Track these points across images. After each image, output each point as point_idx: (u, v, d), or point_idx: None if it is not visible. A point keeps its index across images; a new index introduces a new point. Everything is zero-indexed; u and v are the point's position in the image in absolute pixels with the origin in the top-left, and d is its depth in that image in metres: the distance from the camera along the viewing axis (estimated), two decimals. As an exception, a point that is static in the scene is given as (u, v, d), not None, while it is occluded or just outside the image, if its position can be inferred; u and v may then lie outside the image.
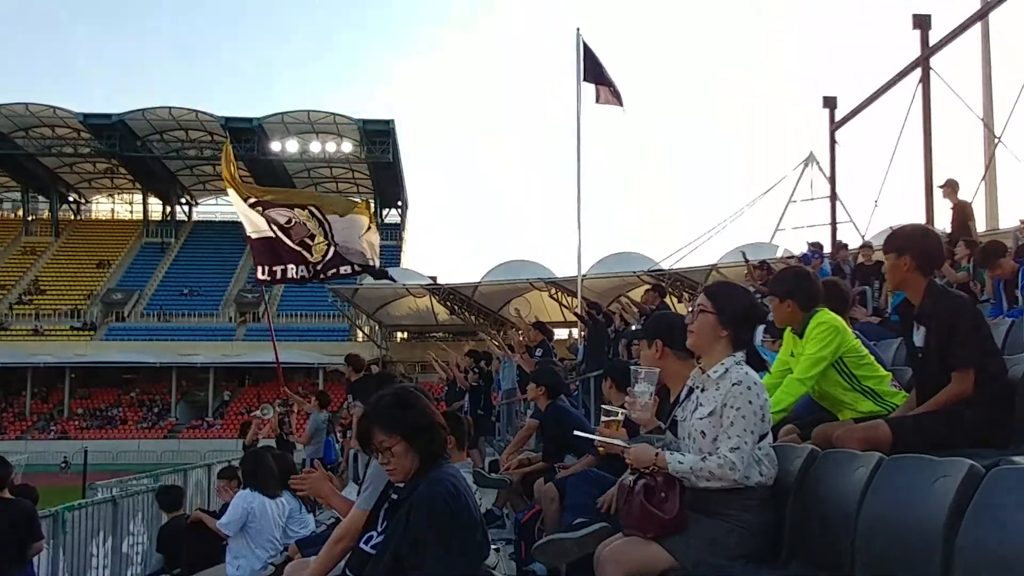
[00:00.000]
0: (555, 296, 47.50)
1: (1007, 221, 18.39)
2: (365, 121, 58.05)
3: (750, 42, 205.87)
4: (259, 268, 10.18)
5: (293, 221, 9.86)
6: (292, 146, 59.02)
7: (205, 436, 47.22)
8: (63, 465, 35.64)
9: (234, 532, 8.20)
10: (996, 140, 15.75)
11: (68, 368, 53.91)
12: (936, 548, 2.15)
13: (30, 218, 67.20)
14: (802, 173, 39.95)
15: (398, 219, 68.30)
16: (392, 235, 64.92)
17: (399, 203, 67.85)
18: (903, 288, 3.91)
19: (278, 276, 10.22)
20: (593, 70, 19.69)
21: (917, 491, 2.35)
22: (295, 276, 10.15)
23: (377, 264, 10.55)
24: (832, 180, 19.46)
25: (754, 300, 3.60)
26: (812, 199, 38.38)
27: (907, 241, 3.91)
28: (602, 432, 3.42)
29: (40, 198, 66.96)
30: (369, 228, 10.07)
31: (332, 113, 57.74)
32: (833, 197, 19.55)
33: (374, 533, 3.56)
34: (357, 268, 10.19)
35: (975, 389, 3.47)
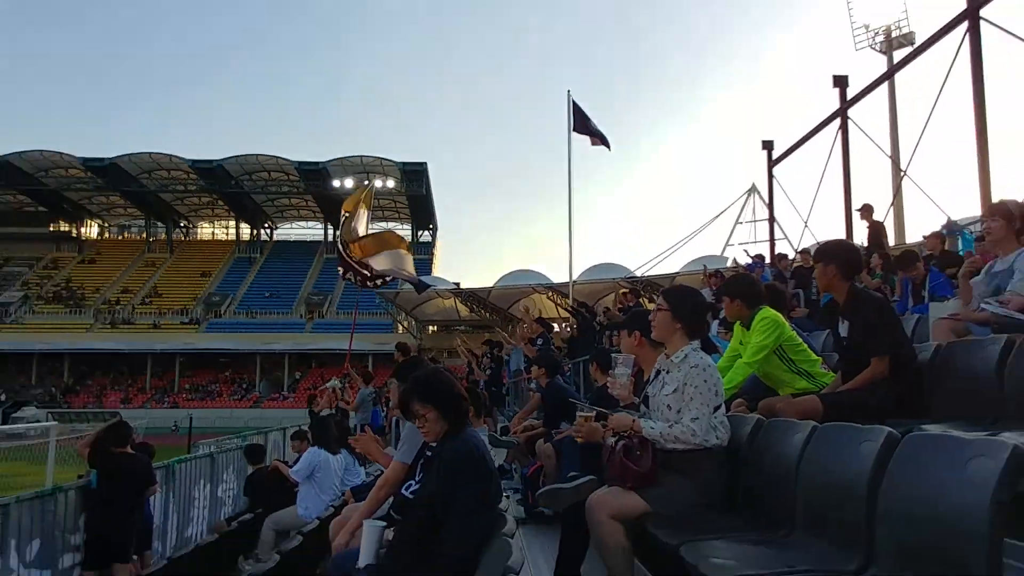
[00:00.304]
0: (552, 297, 47.56)
1: (911, 237, 18.59)
2: (404, 163, 58.14)
3: (707, 96, 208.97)
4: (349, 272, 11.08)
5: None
6: (349, 183, 59.17)
7: (281, 406, 47.31)
8: (173, 428, 35.84)
9: (303, 479, 8.23)
10: (902, 173, 15.94)
11: (178, 353, 54.14)
12: (861, 499, 2.11)
13: (151, 240, 67.58)
14: (746, 200, 40.09)
15: (429, 238, 68.50)
16: (425, 251, 65.24)
17: (430, 226, 67.96)
18: (830, 291, 3.89)
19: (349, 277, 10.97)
20: (581, 123, 19.78)
21: (845, 453, 2.30)
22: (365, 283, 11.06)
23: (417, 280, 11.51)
24: (770, 206, 19.51)
25: (701, 299, 3.57)
26: (754, 221, 38.52)
27: (832, 253, 3.90)
28: (579, 424, 3.39)
29: (159, 224, 67.36)
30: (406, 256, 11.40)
31: (379, 157, 57.90)
32: (771, 219, 19.59)
33: (412, 482, 3.59)
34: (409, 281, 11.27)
35: (890, 371, 3.46)
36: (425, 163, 58.85)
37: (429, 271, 61.54)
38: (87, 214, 66.82)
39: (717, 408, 3.15)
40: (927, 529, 1.80)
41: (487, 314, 54.32)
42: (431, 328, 57.39)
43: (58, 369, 53.81)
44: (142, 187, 59.95)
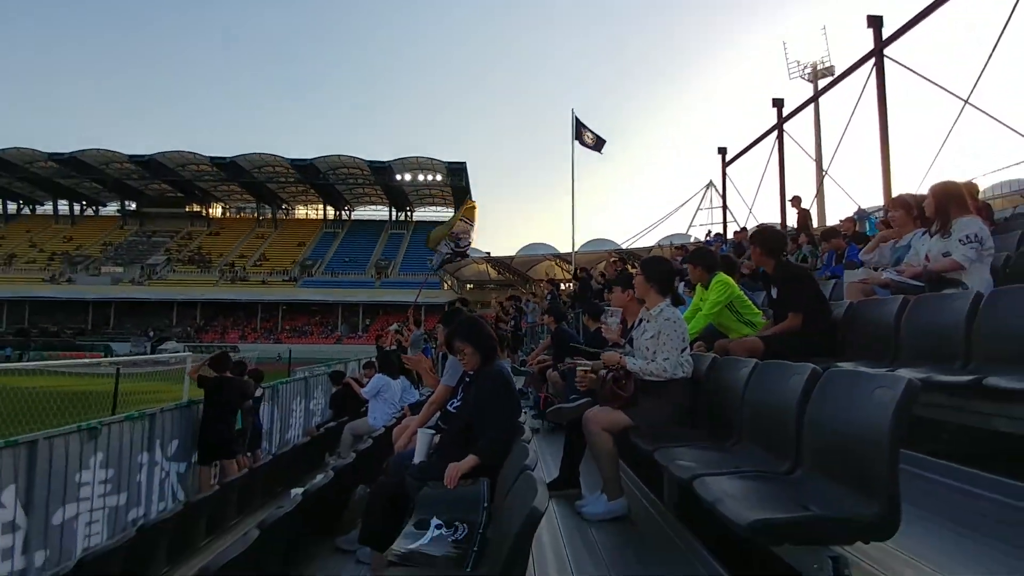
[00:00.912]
0: (558, 264, 47.42)
1: (830, 222, 18.68)
2: (449, 162, 57.61)
3: (676, 111, 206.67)
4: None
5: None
6: (408, 177, 58.98)
7: (356, 343, 47.65)
8: (278, 358, 36.28)
9: (371, 397, 8.32)
10: (823, 173, 15.86)
11: (281, 303, 54.68)
12: (791, 418, 2.10)
13: (260, 218, 67.64)
14: (705, 192, 39.25)
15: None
16: None
17: (470, 209, 67.72)
18: (761, 265, 3.89)
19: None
20: (581, 134, 19.64)
21: (780, 383, 2.29)
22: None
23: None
24: (723, 196, 19.39)
25: (668, 267, 3.53)
26: (711, 208, 37.77)
27: (762, 237, 3.97)
28: (580, 376, 3.37)
29: (266, 206, 67.37)
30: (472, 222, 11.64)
31: (430, 158, 57.28)
32: (724, 207, 19.43)
33: (455, 400, 3.61)
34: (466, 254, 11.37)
35: (804, 323, 3.52)
36: (465, 162, 58.35)
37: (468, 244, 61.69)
38: (213, 199, 67.03)
39: (684, 350, 3.15)
40: (841, 441, 1.80)
41: (511, 276, 54.27)
42: (468, 286, 57.43)
43: (192, 314, 54.59)
44: (254, 179, 59.90)
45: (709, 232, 15.31)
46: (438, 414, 3.93)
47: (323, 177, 59.54)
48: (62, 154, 54.38)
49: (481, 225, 71.34)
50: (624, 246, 39.30)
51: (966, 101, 10.56)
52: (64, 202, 65.61)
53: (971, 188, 3.77)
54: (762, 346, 3.34)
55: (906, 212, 3.93)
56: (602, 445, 3.01)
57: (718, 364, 3.00)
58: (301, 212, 69.93)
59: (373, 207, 68.95)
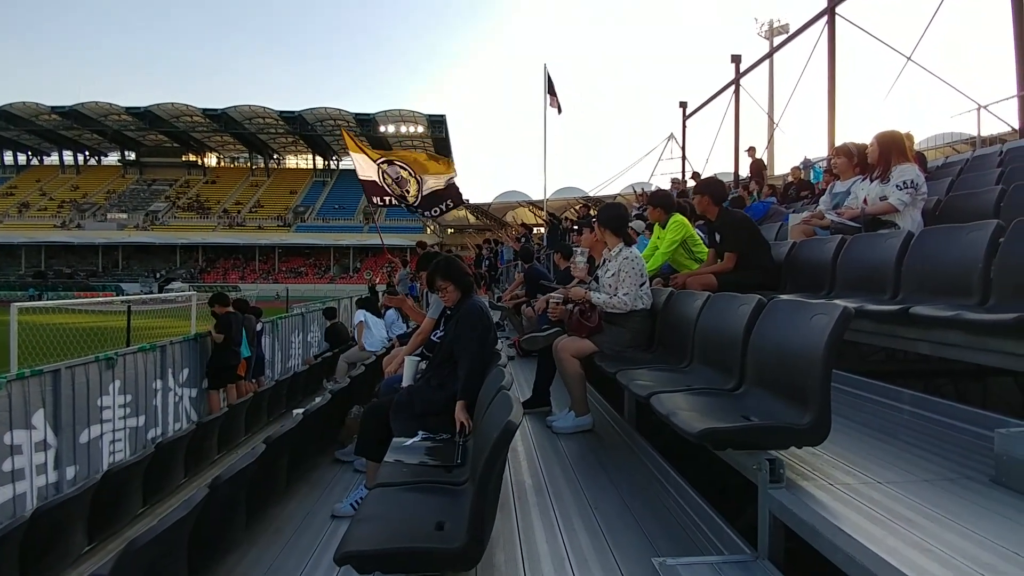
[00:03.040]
0: (531, 209, 47.00)
1: (780, 170, 18.71)
2: (430, 115, 55.58)
3: (647, 66, 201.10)
4: (370, 198, 9.74)
5: (399, 176, 9.53)
6: (391, 129, 56.82)
7: (347, 283, 47.21)
8: (276, 297, 35.91)
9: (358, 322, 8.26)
10: (775, 125, 15.68)
11: (277, 246, 53.39)
12: (738, 342, 2.10)
13: (253, 167, 64.85)
14: (666, 144, 38.42)
15: (447, 170, 66.71)
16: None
17: (449, 159, 65.95)
18: (705, 214, 3.86)
19: (378, 203, 9.79)
20: (552, 89, 18.96)
21: (728, 313, 2.28)
22: (390, 204, 9.74)
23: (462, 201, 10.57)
24: (683, 148, 19.13)
25: (619, 211, 3.46)
26: (672, 158, 37.11)
27: (705, 188, 3.90)
28: (552, 308, 3.38)
29: (259, 156, 64.60)
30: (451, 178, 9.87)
31: (412, 111, 55.17)
32: (683, 158, 19.20)
33: (438, 331, 3.58)
34: (450, 206, 9.85)
35: (741, 263, 3.52)
36: (444, 115, 56.35)
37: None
38: (208, 149, 63.92)
39: (643, 284, 3.14)
40: (781, 361, 1.81)
41: (488, 221, 53.70)
42: (449, 230, 56.74)
43: (194, 257, 53.19)
44: (245, 130, 57.13)
45: (674, 183, 15.19)
46: (423, 344, 3.93)
47: (311, 128, 57.07)
48: (63, 107, 51.02)
49: (460, 174, 69.63)
50: (591, 193, 38.95)
51: (908, 58, 10.37)
52: (69, 152, 62.01)
53: (909, 138, 3.71)
54: (715, 282, 3.34)
55: (848, 160, 3.89)
56: (571, 369, 3.04)
57: (675, 297, 2.99)
58: (292, 162, 67.37)
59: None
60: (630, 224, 3.73)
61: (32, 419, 4.82)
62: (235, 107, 53.00)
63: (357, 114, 54.89)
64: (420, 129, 56.96)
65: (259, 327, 9.04)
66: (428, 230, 53.48)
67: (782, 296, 2.36)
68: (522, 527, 2.14)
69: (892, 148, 3.32)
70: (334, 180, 64.27)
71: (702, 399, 2.03)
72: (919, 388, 2.18)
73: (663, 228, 4.17)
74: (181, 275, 48.74)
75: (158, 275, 48.02)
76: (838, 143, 5.04)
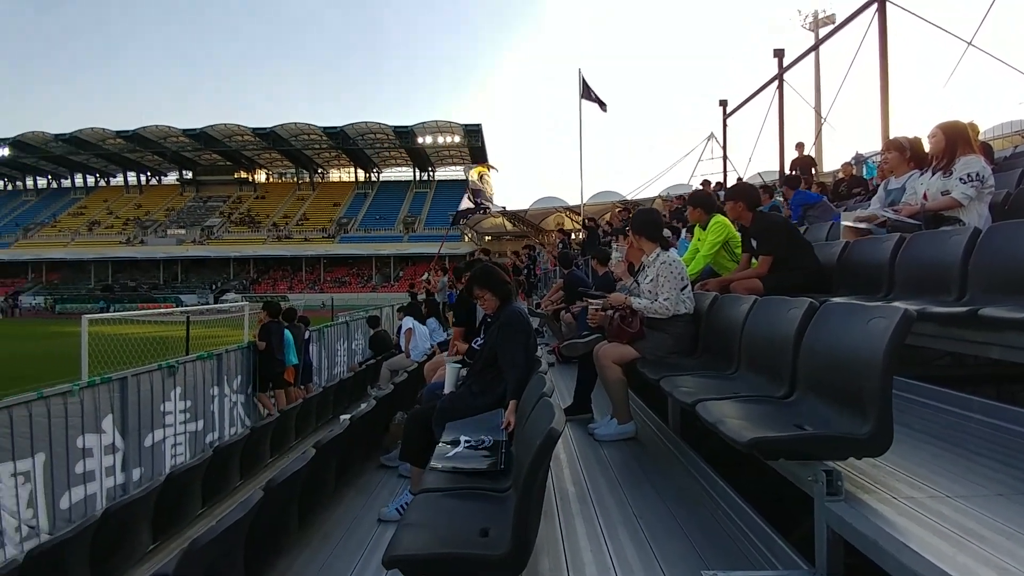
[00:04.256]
0: (568, 215, 46.75)
1: (829, 167, 17.77)
2: (466, 125, 56.42)
3: (685, 65, 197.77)
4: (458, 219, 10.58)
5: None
6: (429, 140, 57.90)
7: (389, 291, 47.96)
8: (322, 306, 36.99)
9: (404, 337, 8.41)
10: (822, 120, 14.99)
11: (322, 257, 54.97)
12: (788, 347, 2.01)
13: (299, 182, 67.11)
14: (707, 143, 37.06)
15: (486, 176, 67.29)
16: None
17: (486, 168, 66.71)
18: (739, 220, 3.73)
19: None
20: (588, 92, 18.79)
21: (778, 317, 2.20)
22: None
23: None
24: (724, 148, 18.48)
25: (651, 216, 3.42)
26: (713, 158, 35.76)
27: (737, 193, 3.78)
28: (592, 314, 3.33)
29: (304, 171, 66.89)
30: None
31: (449, 121, 56.26)
32: (725, 158, 18.61)
33: (479, 339, 3.59)
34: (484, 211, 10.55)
35: (778, 266, 3.36)
36: (480, 124, 57.01)
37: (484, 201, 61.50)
38: (257, 166, 66.58)
39: (684, 288, 3.07)
40: (836, 367, 1.73)
41: (525, 227, 53.72)
42: (487, 238, 57.15)
43: (246, 268, 55.33)
44: (292, 147, 59.37)
45: (708, 183, 14.74)
46: (465, 351, 3.95)
47: (352, 142, 58.70)
48: (127, 131, 54.33)
49: (497, 181, 69.89)
50: (628, 197, 38.41)
51: (969, 43, 9.61)
52: (132, 173, 65.84)
53: (973, 128, 3.48)
54: (761, 286, 3.22)
55: (900, 154, 3.69)
56: (612, 375, 2.99)
57: (719, 301, 2.90)
58: (335, 175, 69.38)
59: (399, 168, 68.13)
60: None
61: (102, 424, 5.09)
62: (282, 125, 55.22)
63: (396, 127, 56.22)
64: (457, 139, 57.77)
65: (307, 335, 9.30)
66: (466, 238, 54.04)
67: (835, 299, 2.26)
68: (566, 534, 2.12)
69: (958, 138, 3.11)
70: (375, 192, 65.83)
71: (751, 407, 1.95)
72: (990, 395, 2.03)
73: (703, 229, 4.06)
74: (234, 286, 50.82)
75: (213, 287, 50.22)
76: (891, 137, 4.79)
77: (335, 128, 55.81)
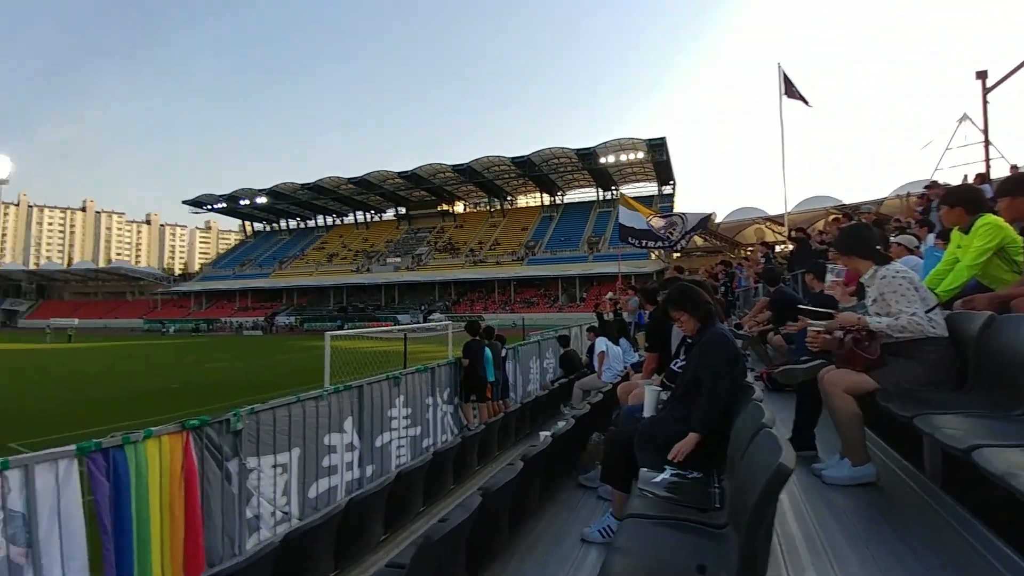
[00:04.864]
0: (769, 226, 42.57)
1: None
2: (649, 140, 55.24)
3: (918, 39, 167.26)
4: (625, 238, 11.23)
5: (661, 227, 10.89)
6: (611, 159, 58.16)
7: (575, 311, 48.79)
8: (513, 325, 39.16)
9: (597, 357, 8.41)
10: None
11: (512, 279, 58.21)
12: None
13: (491, 210, 72.66)
14: (958, 127, 29.78)
15: (671, 191, 64.80)
16: (667, 200, 62.37)
17: (671, 182, 64.17)
18: (955, 225, 2.94)
19: (633, 243, 11.06)
20: (790, 88, 17.03)
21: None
22: (645, 247, 11.31)
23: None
24: (985, 131, 15.11)
25: (852, 232, 2.94)
26: (966, 145, 28.49)
27: (1018, 186, 3.00)
28: (813, 337, 2.90)
29: (495, 199, 72.21)
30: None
31: (631, 138, 55.67)
32: (986, 143, 15.19)
33: (679, 359, 3.46)
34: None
35: None
36: (664, 137, 55.24)
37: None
38: (456, 198, 73.78)
39: (929, 310, 2.55)
40: None
41: (717, 242, 50.41)
42: (675, 255, 55.17)
43: (448, 291, 61.36)
44: (485, 178, 64.58)
45: (965, 177, 12.15)
46: (664, 373, 3.83)
47: (538, 169, 61.61)
48: (356, 177, 65.02)
49: (683, 196, 66.89)
50: (847, 201, 33.36)
51: None
52: (360, 212, 78.33)
53: None
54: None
55: None
56: (844, 408, 2.60)
57: (997, 322, 2.35)
58: (522, 201, 73.48)
59: (582, 190, 69.50)
60: (895, 240, 3.10)
61: (344, 424, 6.02)
62: (476, 160, 60.70)
63: (578, 150, 57.67)
64: (640, 155, 57.01)
65: (503, 353, 9.92)
66: (653, 255, 52.70)
67: None
68: (797, 586, 1.89)
69: None
70: (559, 215, 68.07)
71: (1057, 460, 1.54)
72: None
73: (965, 233, 3.25)
74: (439, 307, 56.70)
75: (422, 308, 56.76)
76: None
77: (522, 157, 59.45)
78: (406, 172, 63.61)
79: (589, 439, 4.66)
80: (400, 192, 69.78)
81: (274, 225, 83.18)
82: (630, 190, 64.68)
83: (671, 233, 10.52)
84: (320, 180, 66.18)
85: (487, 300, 58.32)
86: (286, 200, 72.56)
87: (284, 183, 68.24)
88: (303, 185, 67.44)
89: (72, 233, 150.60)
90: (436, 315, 49.32)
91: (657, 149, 55.74)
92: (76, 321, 57.12)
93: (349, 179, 65.55)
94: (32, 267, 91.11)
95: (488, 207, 73.48)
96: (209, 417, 4.18)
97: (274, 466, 4.80)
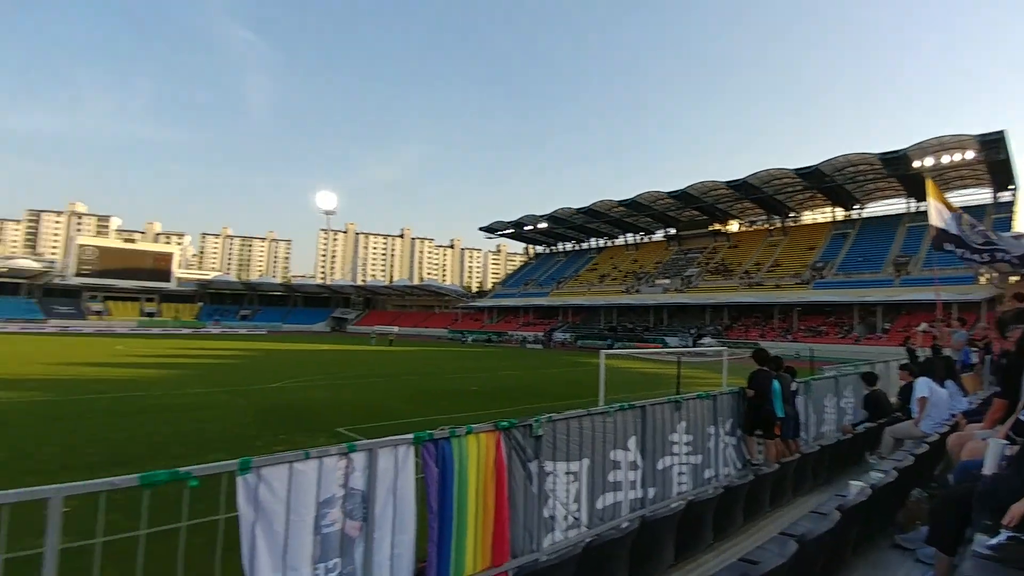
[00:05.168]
0: None
1: None
2: (981, 135, 42.35)
3: None
4: (941, 244, 8.86)
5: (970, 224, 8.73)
6: (928, 162, 46.36)
7: (875, 344, 40.57)
8: (796, 355, 34.63)
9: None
10: None
11: (795, 304, 51.78)
12: None
13: (771, 228, 65.94)
14: None
15: (1010, 197, 48.92)
16: (1005, 210, 47.76)
17: (1011, 186, 48.23)
18: None
19: (944, 247, 8.57)
20: None
21: None
22: (963, 257, 8.80)
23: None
24: None
25: None
26: None
27: None
28: None
29: (775, 216, 65.40)
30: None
31: (956, 135, 43.40)
32: None
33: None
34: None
35: None
36: (1003, 131, 41.77)
37: (1008, 228, 44.75)
38: (730, 217, 69.20)
39: None
40: None
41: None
42: (1012, 278, 41.19)
43: (720, 314, 57.78)
44: (763, 194, 59.19)
45: None
46: (1010, 424, 3.16)
47: (829, 180, 53.59)
48: (626, 199, 66.95)
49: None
50: None
51: None
52: (630, 234, 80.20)
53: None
54: None
55: None
56: None
57: None
58: (807, 217, 64.87)
59: (886, 201, 57.84)
60: None
61: (628, 443, 6.34)
62: (754, 174, 55.99)
63: (882, 154, 48.06)
64: (969, 155, 44.57)
65: (794, 387, 9.08)
66: (982, 279, 40.42)
67: None
68: None
69: None
70: (856, 231, 57.98)
71: None
72: None
73: None
74: (711, 331, 53.88)
75: (692, 331, 54.76)
76: None
77: (809, 168, 52.61)
78: (676, 192, 62.71)
79: (909, 495, 4.06)
80: (670, 212, 69.20)
81: (552, 248, 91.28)
82: (954, 198, 50.97)
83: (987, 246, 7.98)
84: (593, 204, 70.16)
85: (764, 326, 53.19)
86: (563, 224, 78.99)
87: (561, 208, 74.39)
88: (578, 209, 72.43)
89: (392, 255, 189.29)
90: (707, 339, 47.00)
91: (993, 146, 42.89)
92: (396, 328, 69.81)
93: (619, 201, 67.85)
94: (359, 283, 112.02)
95: (767, 225, 67.12)
96: (516, 420, 4.64)
97: (567, 473, 5.15)
